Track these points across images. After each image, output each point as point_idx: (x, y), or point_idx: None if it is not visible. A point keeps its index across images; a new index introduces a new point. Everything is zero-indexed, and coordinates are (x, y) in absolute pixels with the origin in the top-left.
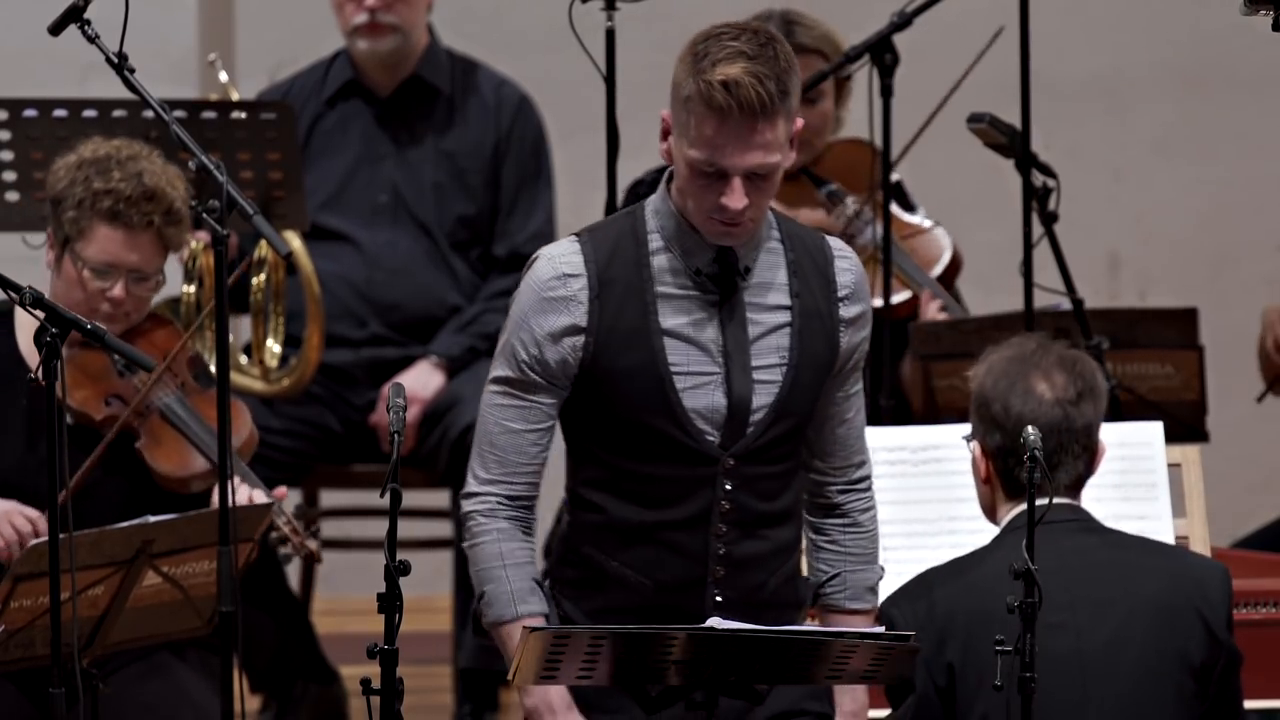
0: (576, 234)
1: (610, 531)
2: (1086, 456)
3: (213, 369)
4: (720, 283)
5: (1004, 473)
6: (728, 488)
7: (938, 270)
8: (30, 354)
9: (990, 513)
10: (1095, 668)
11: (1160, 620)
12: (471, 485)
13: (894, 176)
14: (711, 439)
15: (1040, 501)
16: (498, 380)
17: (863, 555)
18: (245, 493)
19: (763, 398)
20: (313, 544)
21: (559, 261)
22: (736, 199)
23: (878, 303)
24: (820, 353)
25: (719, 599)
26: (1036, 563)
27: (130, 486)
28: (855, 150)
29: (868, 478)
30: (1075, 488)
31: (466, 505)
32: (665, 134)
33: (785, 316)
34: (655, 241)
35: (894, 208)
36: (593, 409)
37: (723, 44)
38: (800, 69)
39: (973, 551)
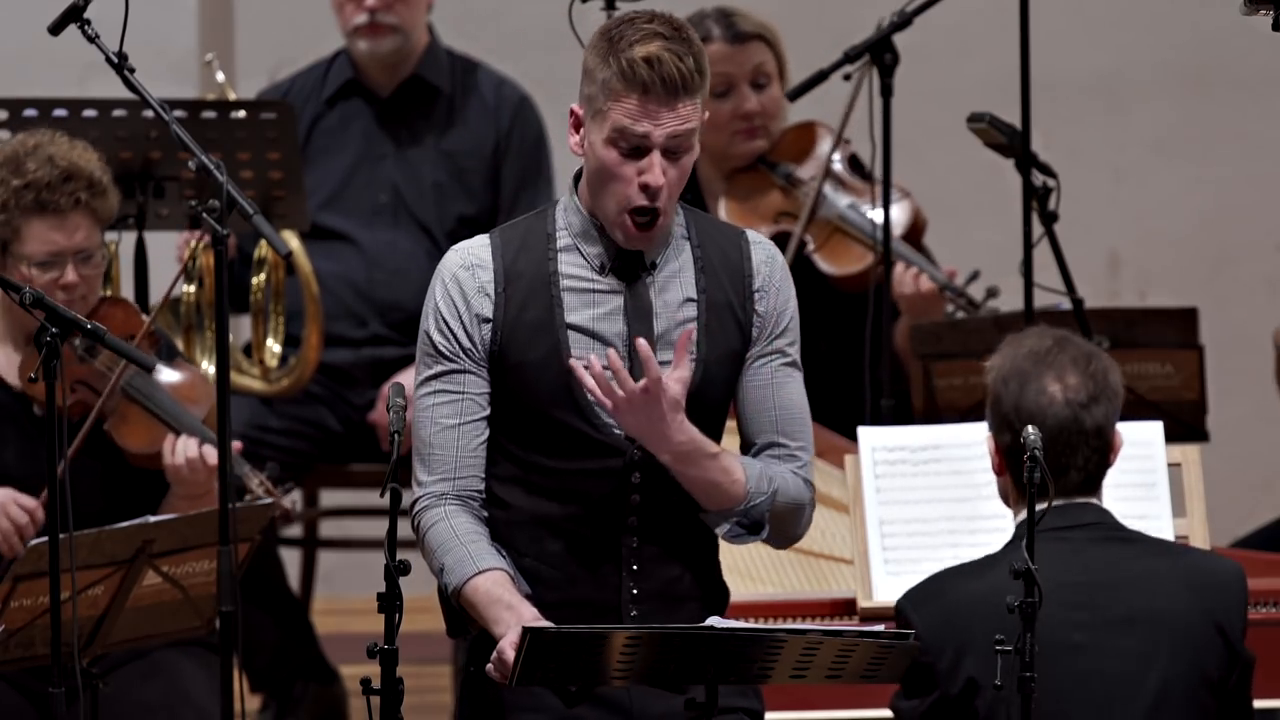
0: (488, 232)
1: (522, 528)
2: (1098, 457)
3: (209, 367)
4: (624, 276)
5: (1014, 470)
6: (636, 480)
7: (898, 233)
8: None
9: (1006, 501)
10: (1118, 688)
11: (1184, 640)
12: (415, 490)
13: (849, 149)
14: (618, 431)
15: (1054, 503)
16: (424, 381)
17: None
18: (194, 447)
19: None
20: (287, 502)
21: (467, 253)
22: (656, 175)
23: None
24: (731, 344)
25: (635, 592)
26: (1057, 574)
27: (104, 466)
28: (805, 131)
29: (797, 461)
30: (1091, 487)
31: (413, 508)
32: (576, 126)
33: (691, 311)
34: (563, 238)
35: (846, 174)
36: (501, 402)
37: (637, 27)
38: (746, 56)
39: (988, 555)
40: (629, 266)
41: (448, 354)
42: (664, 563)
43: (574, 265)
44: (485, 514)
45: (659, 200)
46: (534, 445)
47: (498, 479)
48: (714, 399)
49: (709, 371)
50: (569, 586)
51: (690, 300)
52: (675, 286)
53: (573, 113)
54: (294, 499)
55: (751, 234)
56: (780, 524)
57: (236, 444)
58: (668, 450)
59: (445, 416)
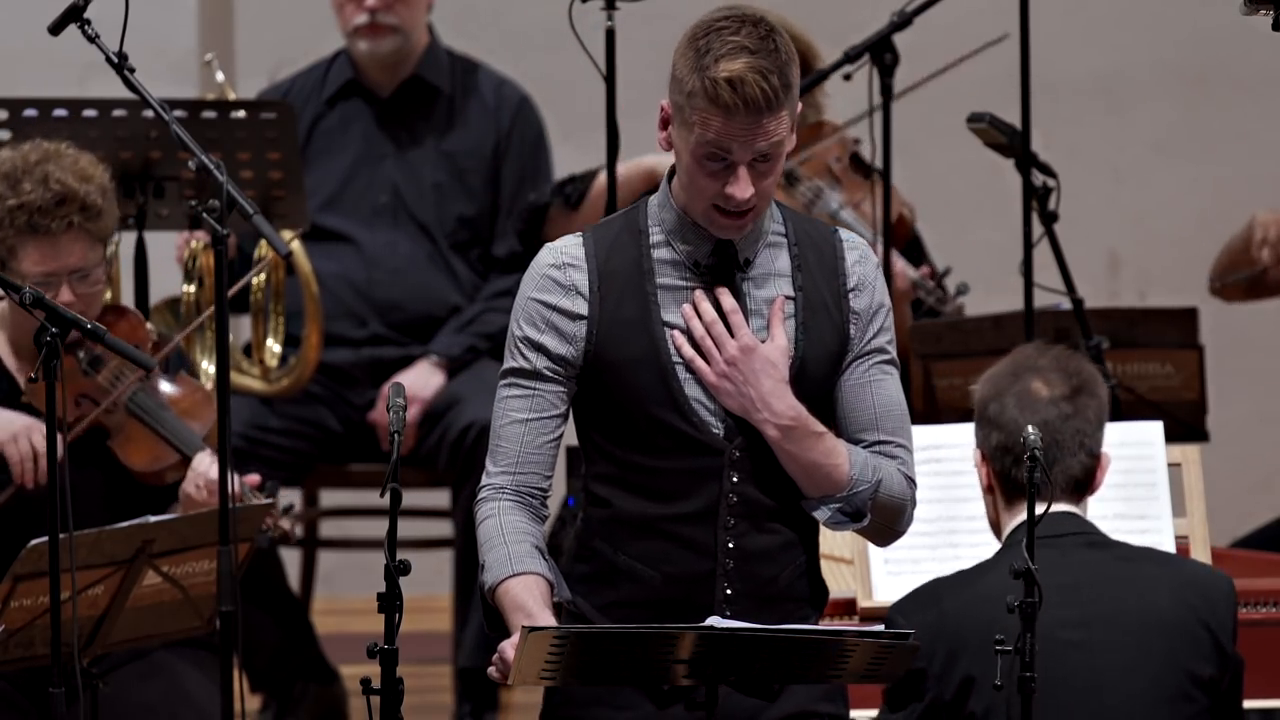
0: (579, 231)
1: (619, 525)
2: (1084, 458)
3: (209, 367)
4: (719, 274)
5: (1003, 474)
6: (734, 480)
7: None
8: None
9: (996, 527)
10: (1111, 685)
11: (1172, 637)
12: (483, 479)
13: (855, 146)
14: (716, 430)
15: (1039, 507)
16: (505, 373)
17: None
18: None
19: None
20: (285, 524)
21: (561, 252)
22: (742, 188)
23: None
24: (829, 344)
25: (729, 592)
26: (1047, 577)
27: (105, 478)
28: (812, 131)
29: (894, 456)
30: (1076, 493)
31: (476, 494)
32: (664, 123)
33: (789, 308)
34: (656, 235)
35: (846, 172)
36: (598, 402)
37: (724, 38)
38: None
39: (979, 563)
40: (724, 263)
41: (528, 354)
42: (759, 563)
43: (668, 263)
44: (545, 512)
45: (745, 208)
46: (631, 444)
47: (597, 477)
48: (810, 396)
49: (806, 369)
50: (664, 585)
51: (787, 298)
52: (771, 285)
53: (662, 109)
54: (295, 516)
55: (843, 233)
56: (882, 517)
57: (253, 478)
58: (773, 421)
59: (517, 410)
